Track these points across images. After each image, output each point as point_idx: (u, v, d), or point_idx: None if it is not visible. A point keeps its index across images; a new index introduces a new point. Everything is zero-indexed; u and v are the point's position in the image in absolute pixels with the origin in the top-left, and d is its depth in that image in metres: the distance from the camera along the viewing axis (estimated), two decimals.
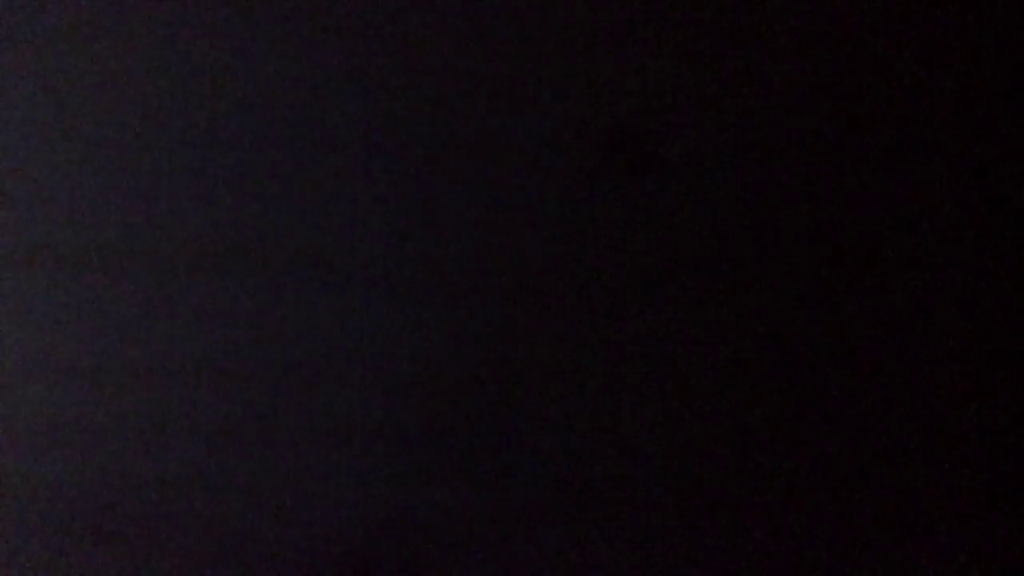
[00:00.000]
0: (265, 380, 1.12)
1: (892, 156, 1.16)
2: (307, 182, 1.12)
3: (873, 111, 1.16)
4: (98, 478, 1.10)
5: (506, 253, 1.14)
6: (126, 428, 1.11)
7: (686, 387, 1.14)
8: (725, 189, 1.15)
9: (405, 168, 1.13)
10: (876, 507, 1.15)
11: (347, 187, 1.13)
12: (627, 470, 1.14)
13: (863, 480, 1.15)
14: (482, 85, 1.14)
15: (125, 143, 1.12)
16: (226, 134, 1.12)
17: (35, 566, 1.10)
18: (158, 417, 1.11)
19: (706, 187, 1.15)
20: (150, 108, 1.12)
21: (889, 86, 1.16)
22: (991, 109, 1.16)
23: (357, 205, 1.13)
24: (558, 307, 1.14)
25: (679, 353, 1.14)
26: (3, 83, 1.10)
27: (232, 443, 1.12)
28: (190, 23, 1.12)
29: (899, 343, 1.16)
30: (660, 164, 1.14)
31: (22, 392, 1.10)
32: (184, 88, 1.12)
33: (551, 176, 1.14)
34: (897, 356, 1.16)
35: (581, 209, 1.14)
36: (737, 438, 1.14)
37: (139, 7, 1.12)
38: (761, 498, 1.14)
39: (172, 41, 1.12)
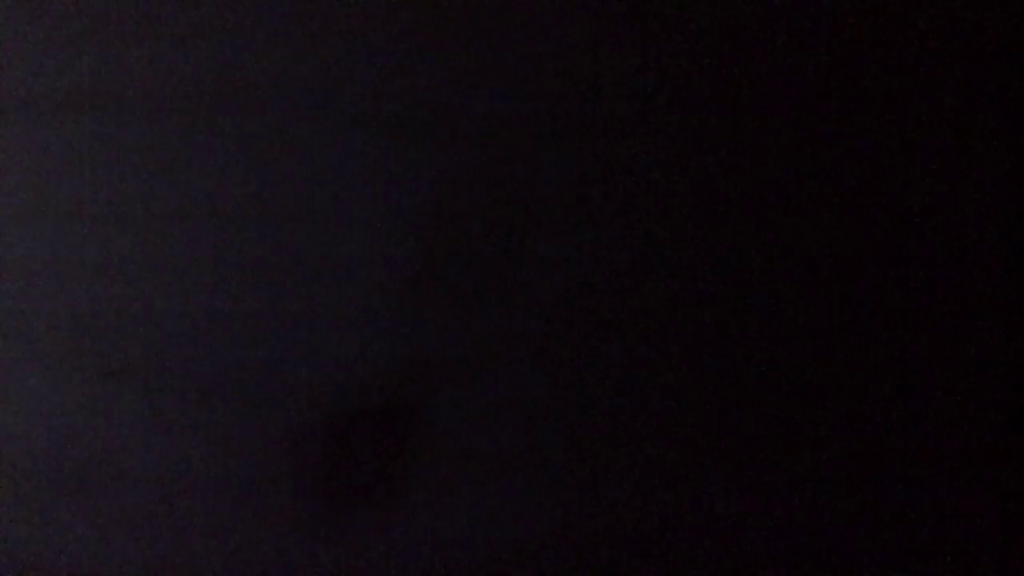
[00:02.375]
0: (264, 220, 1.13)
1: (891, 156, 1.15)
2: (306, 20, 1.12)
3: (873, 111, 1.15)
4: (101, 316, 1.12)
5: (511, 89, 1.13)
6: (126, 268, 1.12)
7: (695, 225, 1.14)
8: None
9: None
10: (875, 507, 1.16)
11: (346, 24, 1.12)
12: (630, 311, 1.14)
13: (863, 479, 1.16)
14: None
15: None
16: None
17: (44, 403, 1.13)
18: (157, 258, 1.12)
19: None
20: None
21: (888, 86, 1.15)
22: (991, 109, 1.14)
23: (358, 42, 1.12)
24: (562, 143, 1.14)
25: (687, 184, 1.14)
26: None
27: (231, 284, 1.13)
28: None
29: (898, 343, 1.16)
30: None
31: (21, 233, 1.12)
32: None
33: (560, 16, 1.12)
34: (896, 356, 1.16)
35: (586, 40, 1.13)
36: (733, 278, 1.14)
37: None
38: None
39: None
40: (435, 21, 1.13)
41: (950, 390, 1.16)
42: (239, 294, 1.12)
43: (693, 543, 1.14)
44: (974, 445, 1.16)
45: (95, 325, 1.12)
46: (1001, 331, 1.16)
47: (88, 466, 1.11)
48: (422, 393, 1.13)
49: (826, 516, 1.15)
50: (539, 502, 1.13)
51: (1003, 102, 1.15)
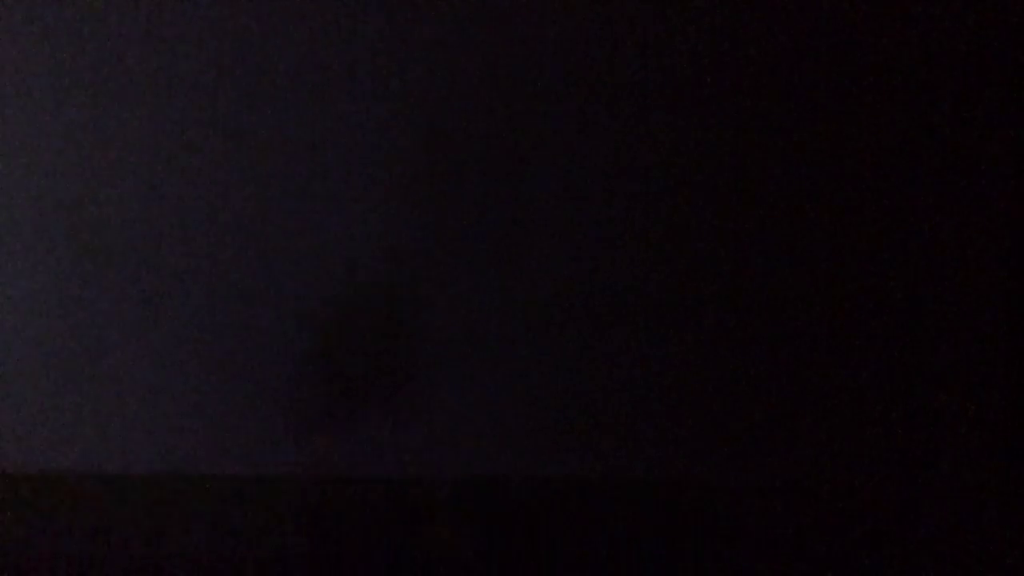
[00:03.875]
0: (262, 144, 1.11)
1: (891, 156, 1.17)
2: None
3: (870, 112, 1.17)
4: (96, 204, 1.10)
5: (516, 19, 1.12)
6: (122, 154, 1.10)
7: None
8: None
9: None
10: (876, 507, 1.15)
11: None
12: (630, 209, 1.12)
13: (863, 480, 1.15)
14: None
15: None
16: None
17: (39, 289, 1.10)
18: (154, 144, 1.10)
19: None
20: None
21: (887, 87, 1.17)
22: (991, 109, 1.16)
23: None
24: (567, 70, 1.12)
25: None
26: None
27: (230, 178, 1.11)
28: None
29: (897, 344, 1.16)
30: None
31: (19, 104, 1.10)
32: None
33: None
34: (896, 356, 1.16)
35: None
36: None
37: None
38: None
39: None
40: None
41: (950, 390, 1.16)
42: (238, 222, 1.12)
43: (689, 435, 1.12)
44: (974, 445, 1.15)
45: (89, 211, 1.11)
46: (1002, 331, 1.16)
47: (78, 354, 1.10)
48: (425, 288, 1.12)
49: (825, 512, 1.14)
50: (544, 399, 1.11)
51: (1003, 102, 1.17)
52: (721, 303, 1.13)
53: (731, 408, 1.13)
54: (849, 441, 1.16)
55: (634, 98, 1.12)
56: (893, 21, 1.18)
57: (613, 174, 1.10)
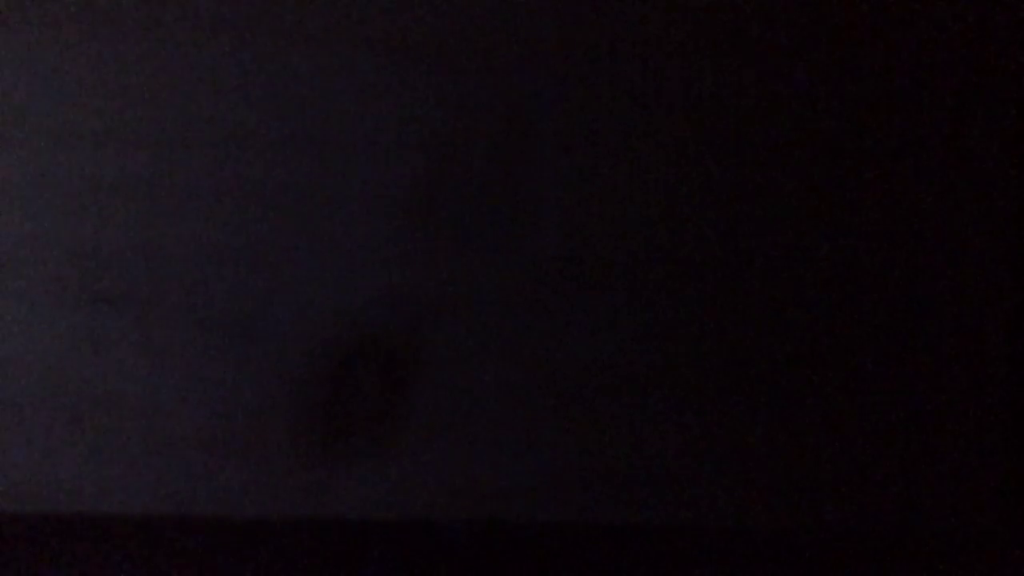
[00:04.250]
0: (265, 147, 1.11)
1: (890, 156, 1.17)
2: None
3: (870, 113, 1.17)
4: (96, 243, 1.09)
5: (516, 19, 1.13)
6: (123, 193, 1.10)
7: (701, 160, 1.13)
8: None
9: None
10: (875, 507, 1.15)
11: None
12: (633, 248, 1.12)
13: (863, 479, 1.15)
14: None
15: None
16: None
17: (36, 329, 1.10)
18: (154, 184, 1.10)
19: None
20: None
21: (887, 87, 1.17)
22: (991, 109, 1.16)
23: None
24: (567, 73, 1.12)
25: (694, 116, 1.13)
26: None
27: (230, 212, 1.11)
28: None
29: (898, 346, 1.16)
30: None
31: (16, 156, 1.10)
32: None
33: None
34: (895, 359, 1.16)
35: None
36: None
37: None
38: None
39: None
40: None
41: (950, 390, 1.16)
42: (238, 223, 1.11)
43: (694, 478, 1.12)
44: (974, 445, 1.15)
45: (89, 252, 1.11)
46: (1001, 331, 1.16)
47: (81, 395, 1.10)
48: (422, 327, 1.11)
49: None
50: (538, 441, 1.11)
51: (1003, 102, 1.17)
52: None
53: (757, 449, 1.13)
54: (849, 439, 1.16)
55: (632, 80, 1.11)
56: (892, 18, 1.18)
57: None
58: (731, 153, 1.14)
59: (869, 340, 1.16)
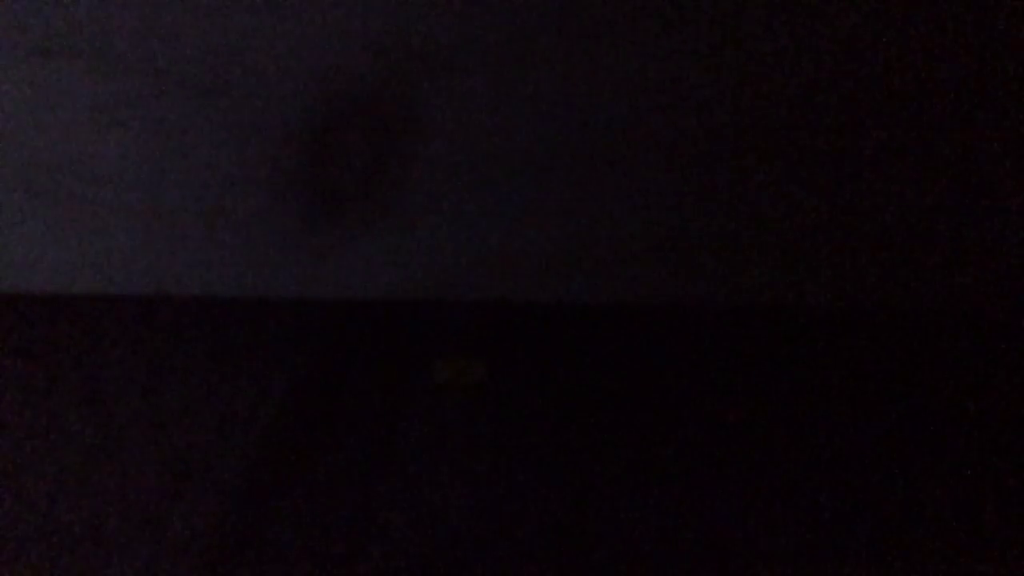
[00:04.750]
0: None
1: (890, 156, 1.17)
2: None
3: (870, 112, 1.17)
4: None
5: None
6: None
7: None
8: None
9: None
10: (876, 507, 1.15)
11: None
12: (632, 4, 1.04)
13: (864, 480, 1.15)
14: None
15: None
16: None
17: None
18: None
19: None
20: None
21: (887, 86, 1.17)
22: (991, 109, 1.16)
23: None
24: None
25: None
26: None
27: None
28: None
29: (897, 348, 1.16)
30: None
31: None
32: None
33: None
34: (895, 360, 1.16)
35: None
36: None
37: None
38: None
39: None
40: None
41: (951, 390, 1.16)
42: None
43: (688, 259, 1.06)
44: (974, 446, 1.15)
45: None
46: (1002, 330, 1.16)
47: (35, 163, 0.95)
48: (413, 83, 0.96)
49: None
50: (534, 206, 1.02)
51: (1003, 102, 1.17)
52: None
53: (740, 229, 1.07)
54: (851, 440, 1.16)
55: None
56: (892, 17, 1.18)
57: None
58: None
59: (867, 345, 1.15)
